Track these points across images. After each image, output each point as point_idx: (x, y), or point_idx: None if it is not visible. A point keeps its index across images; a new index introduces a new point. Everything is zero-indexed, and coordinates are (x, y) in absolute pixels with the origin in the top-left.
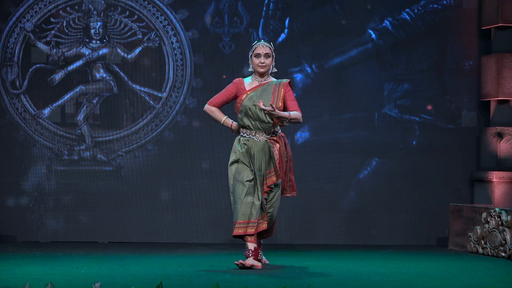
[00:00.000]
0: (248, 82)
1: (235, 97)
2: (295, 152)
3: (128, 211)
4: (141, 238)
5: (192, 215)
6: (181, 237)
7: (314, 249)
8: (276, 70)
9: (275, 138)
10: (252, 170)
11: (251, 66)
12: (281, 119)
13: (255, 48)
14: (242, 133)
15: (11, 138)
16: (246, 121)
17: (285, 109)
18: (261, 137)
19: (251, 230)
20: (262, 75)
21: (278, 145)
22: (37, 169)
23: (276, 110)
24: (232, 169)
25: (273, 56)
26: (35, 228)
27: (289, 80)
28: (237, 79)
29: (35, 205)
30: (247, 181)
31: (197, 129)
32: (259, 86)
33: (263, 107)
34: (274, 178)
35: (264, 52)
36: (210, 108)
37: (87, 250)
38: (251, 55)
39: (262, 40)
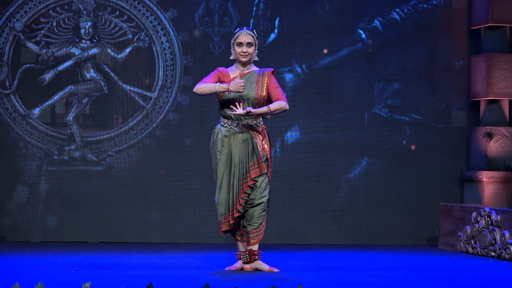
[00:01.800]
0: (232, 71)
1: None
2: (285, 152)
3: (119, 211)
4: (132, 238)
5: (182, 215)
6: (171, 237)
7: (304, 249)
8: (257, 59)
9: (258, 129)
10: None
11: (233, 54)
12: (263, 114)
13: (237, 36)
14: (223, 123)
15: (1, 138)
16: (228, 112)
17: (269, 98)
18: (243, 128)
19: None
20: (244, 64)
21: (261, 137)
22: (27, 169)
23: (252, 110)
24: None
25: (256, 45)
26: (25, 229)
27: (272, 69)
28: (220, 67)
29: (25, 205)
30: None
31: (188, 129)
32: (242, 75)
33: (239, 112)
34: (256, 171)
35: (247, 41)
36: (199, 85)
37: (77, 250)
38: (233, 43)
39: (245, 28)
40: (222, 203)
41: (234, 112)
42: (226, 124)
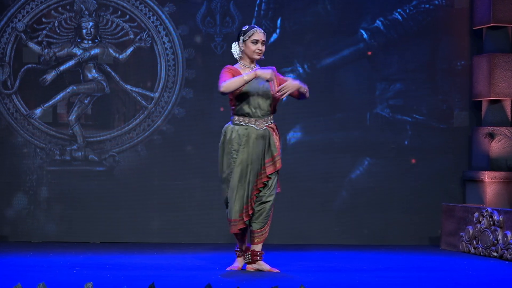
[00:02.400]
0: (240, 69)
1: None
2: (287, 152)
3: (120, 211)
4: (133, 238)
5: (184, 215)
6: (173, 237)
7: (306, 249)
8: (264, 58)
9: (272, 126)
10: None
11: (240, 51)
12: (299, 92)
13: (253, 33)
14: (239, 121)
15: (2, 138)
16: (246, 109)
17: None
18: (261, 125)
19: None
20: (253, 61)
21: (274, 133)
22: (29, 169)
23: (292, 82)
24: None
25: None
26: (26, 229)
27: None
28: (229, 65)
29: (26, 205)
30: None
31: (189, 129)
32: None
33: (279, 94)
34: (272, 168)
35: (262, 39)
36: (224, 83)
37: (79, 251)
38: (245, 40)
39: (257, 27)
40: (237, 201)
41: (282, 93)
42: (243, 122)
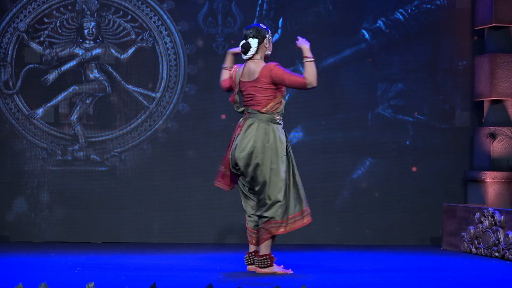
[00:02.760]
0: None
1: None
2: None
3: (122, 211)
4: (135, 238)
5: (185, 215)
6: (174, 237)
7: (307, 249)
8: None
9: None
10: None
11: (268, 49)
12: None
13: (271, 34)
14: (280, 121)
15: (4, 138)
16: (283, 109)
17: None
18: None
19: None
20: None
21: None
22: (31, 169)
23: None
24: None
25: None
26: (28, 229)
27: None
28: (274, 63)
29: (28, 205)
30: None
31: (191, 129)
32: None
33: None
34: None
35: None
36: (312, 74)
37: (80, 251)
38: (269, 39)
39: None
40: (298, 199)
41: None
42: (281, 122)
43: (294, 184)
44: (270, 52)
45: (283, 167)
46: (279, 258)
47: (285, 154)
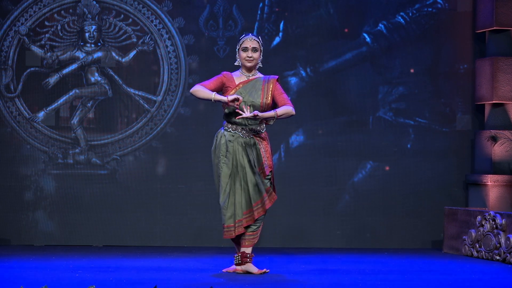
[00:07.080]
0: (237, 77)
1: (221, 89)
2: (290, 155)
3: (123, 214)
4: (136, 241)
5: (186, 219)
6: (175, 240)
7: (308, 252)
8: (261, 66)
9: (262, 135)
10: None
11: (238, 60)
12: (268, 119)
13: (243, 41)
14: (227, 128)
15: (5, 141)
16: (234, 118)
17: (274, 104)
18: (248, 134)
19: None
20: (249, 69)
21: (265, 142)
22: (32, 173)
23: (259, 114)
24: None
25: (261, 51)
26: (29, 232)
27: (277, 76)
28: (225, 72)
29: (29, 208)
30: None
31: (192, 133)
32: (248, 81)
33: (246, 115)
34: (263, 176)
35: (252, 46)
36: (197, 87)
37: (81, 254)
38: (238, 49)
39: (250, 34)
40: (229, 207)
41: (241, 117)
42: (230, 129)
43: (232, 192)
44: (236, 63)
45: (219, 173)
46: (279, 261)
47: (220, 159)
